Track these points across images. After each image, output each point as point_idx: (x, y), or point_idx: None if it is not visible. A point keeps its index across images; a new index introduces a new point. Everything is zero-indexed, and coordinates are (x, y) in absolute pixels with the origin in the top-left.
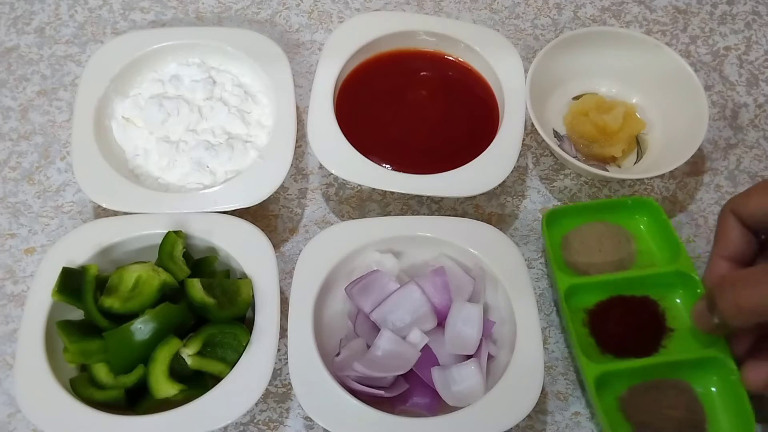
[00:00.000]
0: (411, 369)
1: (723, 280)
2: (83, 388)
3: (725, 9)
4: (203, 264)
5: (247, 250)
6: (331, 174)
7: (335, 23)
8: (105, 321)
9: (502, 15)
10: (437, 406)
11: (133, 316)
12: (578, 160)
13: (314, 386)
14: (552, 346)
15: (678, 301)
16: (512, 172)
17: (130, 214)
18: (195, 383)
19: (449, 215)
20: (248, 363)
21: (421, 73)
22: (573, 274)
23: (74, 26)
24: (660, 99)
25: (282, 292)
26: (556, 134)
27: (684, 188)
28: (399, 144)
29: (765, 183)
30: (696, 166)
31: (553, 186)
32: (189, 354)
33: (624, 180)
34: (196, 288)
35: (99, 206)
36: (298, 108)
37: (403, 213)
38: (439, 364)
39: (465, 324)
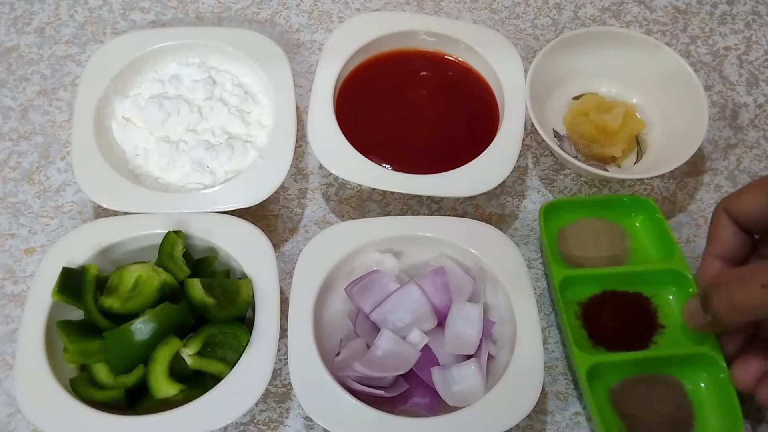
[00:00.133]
0: (411, 369)
1: (718, 279)
2: (83, 388)
3: (725, 9)
4: (203, 264)
5: (247, 250)
6: (331, 174)
7: (335, 23)
8: (105, 321)
9: (502, 15)
10: (437, 406)
11: (133, 316)
12: (578, 160)
13: (314, 386)
14: (552, 346)
15: (671, 298)
16: (512, 172)
17: (130, 214)
18: (195, 383)
19: (449, 215)
20: (248, 363)
21: (421, 73)
22: (567, 267)
23: (74, 26)
24: (660, 99)
25: (282, 292)
26: (556, 134)
27: (684, 188)
28: (399, 144)
29: (757, 182)
30: (696, 166)
31: (553, 186)
32: (189, 354)
33: (624, 180)
34: (196, 288)
35: (99, 206)
36: (298, 108)
37: (403, 213)
38: (439, 364)
39: (465, 324)
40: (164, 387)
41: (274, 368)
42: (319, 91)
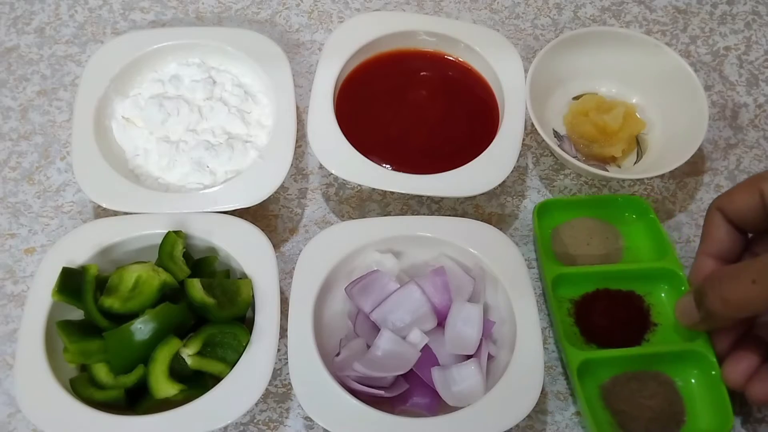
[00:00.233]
0: (411, 369)
1: (711, 276)
2: (83, 388)
3: (725, 9)
4: (203, 264)
5: (247, 250)
6: (331, 174)
7: (335, 23)
8: (105, 321)
9: (502, 15)
10: (437, 406)
11: (133, 316)
12: (578, 160)
13: (314, 386)
14: (552, 346)
15: (663, 296)
16: (512, 172)
17: (130, 214)
18: (195, 383)
19: (449, 215)
20: (248, 363)
21: (421, 73)
22: (561, 265)
23: (74, 26)
24: (660, 99)
25: (282, 292)
26: (556, 134)
27: (684, 188)
28: (399, 144)
29: (748, 181)
30: (696, 166)
31: (553, 186)
32: (189, 354)
33: (624, 180)
34: (196, 288)
35: (99, 206)
36: (298, 108)
37: (403, 213)
38: (439, 364)
39: (465, 324)
40: (164, 387)
41: (274, 368)
42: (319, 91)
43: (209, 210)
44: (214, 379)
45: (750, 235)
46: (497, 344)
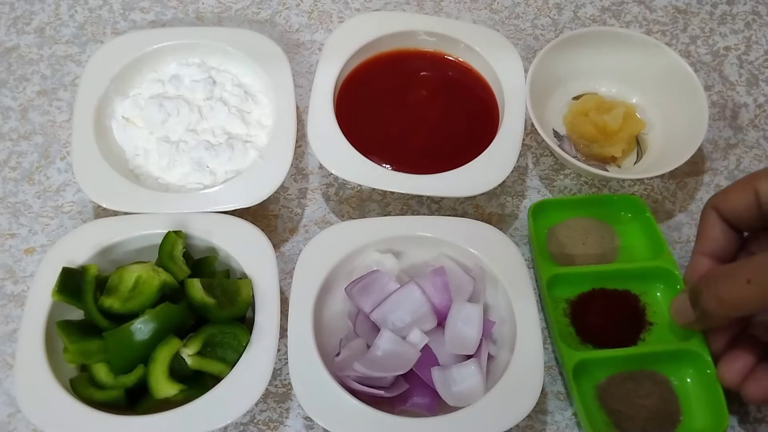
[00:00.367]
0: (411, 369)
1: (706, 275)
2: (83, 388)
3: (725, 9)
4: (203, 264)
5: (247, 250)
6: (331, 174)
7: (335, 23)
8: (105, 321)
9: (502, 15)
10: (437, 406)
11: (133, 316)
12: (578, 160)
13: (314, 386)
14: (552, 346)
15: (658, 295)
16: (512, 172)
17: (130, 214)
18: (195, 383)
19: (449, 215)
20: (248, 363)
21: (421, 73)
22: (556, 265)
23: (74, 26)
24: (660, 99)
25: (282, 292)
26: (556, 134)
27: (684, 188)
28: (399, 144)
29: (744, 179)
30: (696, 166)
31: (553, 186)
32: (189, 354)
33: (624, 180)
34: (196, 288)
35: (99, 206)
36: (298, 108)
37: (403, 213)
38: (439, 364)
39: (465, 324)
40: (164, 387)
41: (274, 368)
42: (319, 91)
43: (209, 210)
44: (214, 379)
45: (746, 234)
46: (497, 344)
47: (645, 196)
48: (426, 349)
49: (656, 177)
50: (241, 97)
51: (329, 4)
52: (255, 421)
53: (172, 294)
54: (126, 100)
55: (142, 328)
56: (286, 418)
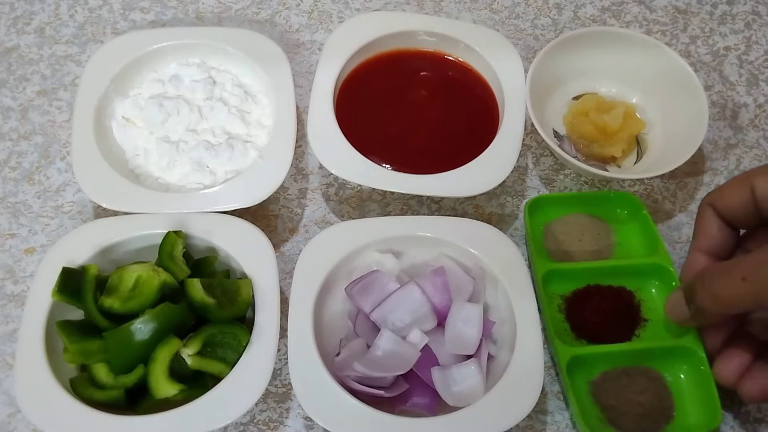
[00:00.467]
0: (411, 369)
1: (702, 273)
2: (83, 388)
3: (725, 9)
4: (203, 264)
5: (247, 250)
6: (331, 174)
7: (335, 23)
8: (105, 321)
9: (502, 15)
10: (437, 406)
11: (133, 316)
12: (578, 160)
13: (314, 386)
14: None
15: (653, 292)
16: (512, 172)
17: (130, 214)
18: (195, 383)
19: (449, 215)
20: (248, 363)
21: (421, 73)
22: (552, 261)
23: (74, 26)
24: (660, 99)
25: (282, 292)
26: (556, 134)
27: (684, 188)
28: (399, 144)
29: (740, 177)
30: (696, 166)
31: (553, 186)
32: (189, 354)
33: (624, 180)
34: (196, 288)
35: (99, 206)
36: (298, 108)
37: (403, 213)
38: (439, 364)
39: (465, 324)
40: (164, 387)
41: (274, 368)
42: (319, 91)
43: (209, 210)
44: (214, 379)
45: (742, 231)
46: (497, 344)
47: (645, 196)
48: (426, 349)
49: (656, 177)
50: (241, 97)
51: (329, 4)
52: (255, 421)
53: (172, 294)
54: (126, 100)
55: (142, 328)
56: (286, 418)
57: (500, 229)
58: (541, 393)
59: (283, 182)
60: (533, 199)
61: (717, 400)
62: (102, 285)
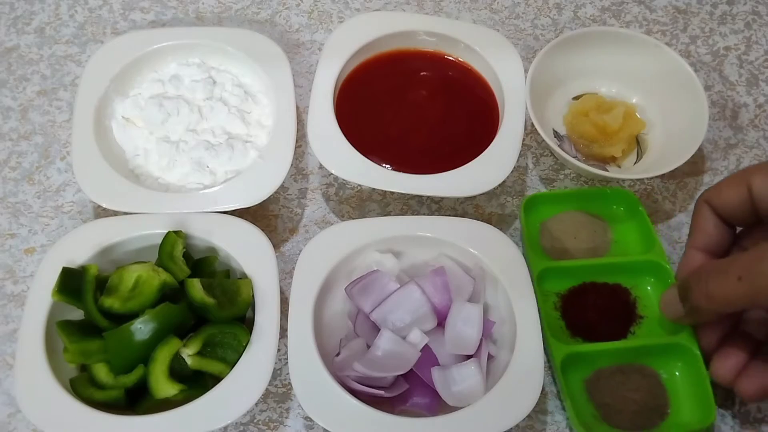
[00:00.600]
0: (411, 369)
1: (697, 271)
2: (83, 388)
3: (725, 9)
4: (203, 264)
5: (247, 250)
6: (331, 174)
7: (335, 23)
8: (105, 321)
9: (502, 15)
10: (437, 406)
11: (133, 316)
12: (578, 160)
13: (314, 386)
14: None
15: (649, 289)
16: (512, 172)
17: (130, 214)
18: (195, 383)
19: (449, 215)
20: (248, 363)
21: (421, 73)
22: (548, 259)
23: (74, 26)
24: (660, 99)
25: (282, 292)
26: (556, 134)
27: (684, 188)
28: (399, 144)
29: (737, 175)
30: (696, 166)
31: (553, 186)
32: (189, 354)
33: (624, 180)
34: (196, 288)
35: (99, 206)
36: (298, 108)
37: (403, 213)
38: (439, 364)
39: (465, 324)
40: (164, 387)
41: (274, 368)
42: (319, 91)
43: (209, 210)
44: (214, 379)
45: (739, 229)
46: (497, 344)
47: (645, 196)
48: (426, 349)
49: (656, 177)
50: (241, 97)
51: (329, 4)
52: (255, 421)
53: (172, 294)
54: (126, 100)
55: (142, 328)
56: (286, 418)
57: (500, 229)
58: (541, 393)
59: (283, 182)
60: (529, 197)
61: (711, 397)
62: (102, 285)
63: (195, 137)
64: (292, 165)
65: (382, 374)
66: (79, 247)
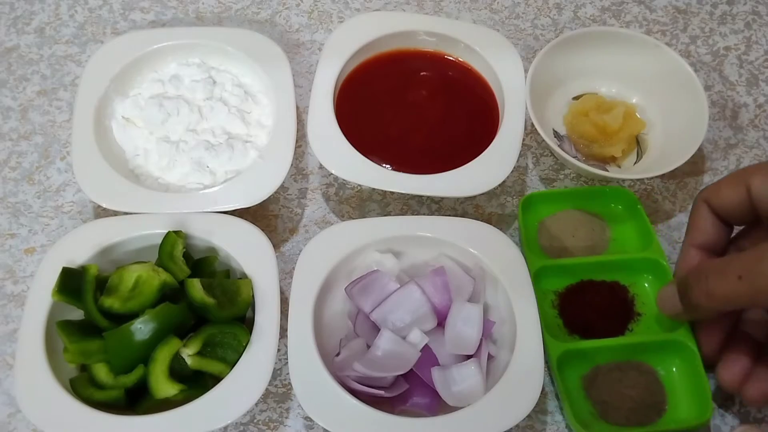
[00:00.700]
0: (411, 369)
1: (697, 269)
2: (83, 388)
3: (725, 9)
4: (203, 264)
5: (247, 250)
6: (331, 174)
7: (335, 23)
8: (105, 321)
9: (502, 15)
10: (437, 406)
11: (133, 316)
12: (578, 160)
13: (314, 386)
14: None
15: (647, 286)
16: (512, 172)
17: (130, 214)
18: (195, 383)
19: (449, 215)
20: (248, 363)
21: (421, 73)
22: (545, 257)
23: (74, 26)
24: (660, 99)
25: (282, 292)
26: (556, 134)
27: (684, 188)
28: (399, 144)
29: (736, 174)
30: (696, 166)
31: (553, 186)
32: (189, 354)
33: (624, 180)
34: (196, 288)
35: (99, 206)
36: (298, 108)
37: (403, 213)
38: (439, 364)
39: (465, 324)
40: (164, 387)
41: (274, 368)
42: (319, 91)
43: (209, 210)
44: (214, 379)
45: (737, 226)
46: (497, 344)
47: (645, 196)
48: (426, 349)
49: (656, 177)
50: (241, 97)
51: (329, 4)
52: (255, 421)
53: (172, 294)
54: (126, 100)
55: (142, 328)
56: (286, 418)
57: (500, 229)
58: (541, 393)
59: (283, 182)
60: (526, 196)
61: (708, 393)
62: (102, 285)
63: (195, 137)
64: (292, 165)
65: (382, 374)
66: (79, 247)
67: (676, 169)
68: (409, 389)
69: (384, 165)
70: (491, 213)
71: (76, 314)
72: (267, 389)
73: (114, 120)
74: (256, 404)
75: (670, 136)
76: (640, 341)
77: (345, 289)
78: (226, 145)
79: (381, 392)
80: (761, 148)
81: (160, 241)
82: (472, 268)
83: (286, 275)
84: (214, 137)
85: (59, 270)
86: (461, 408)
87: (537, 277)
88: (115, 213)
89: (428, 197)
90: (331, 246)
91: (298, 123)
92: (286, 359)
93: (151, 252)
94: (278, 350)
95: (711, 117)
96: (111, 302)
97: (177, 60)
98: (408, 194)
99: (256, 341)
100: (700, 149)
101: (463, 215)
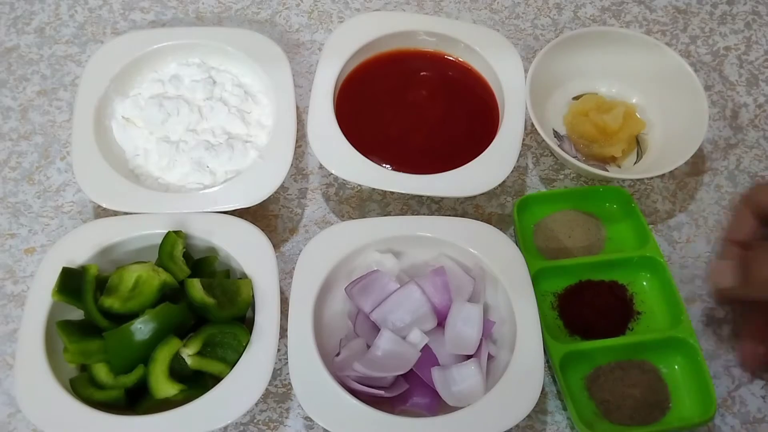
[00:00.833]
0: (411, 369)
1: (758, 253)
2: (83, 388)
3: (725, 9)
4: (203, 264)
5: (247, 250)
6: (331, 174)
7: (335, 23)
8: (105, 321)
9: (502, 15)
10: (437, 406)
11: (133, 316)
12: (578, 160)
13: (314, 386)
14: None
15: (645, 284)
16: (512, 172)
17: (130, 214)
18: (195, 383)
19: (449, 215)
20: (248, 363)
21: (421, 73)
22: (543, 259)
23: (74, 26)
24: (660, 99)
25: (282, 292)
26: (556, 134)
27: (684, 188)
28: (399, 144)
29: None
30: (696, 166)
31: (553, 186)
32: (189, 354)
33: (624, 180)
34: (196, 288)
35: (99, 206)
36: (298, 108)
37: (403, 213)
38: (439, 364)
39: (465, 324)
40: (164, 387)
41: (274, 368)
42: (319, 91)
43: (209, 210)
44: (214, 379)
45: None
46: (497, 344)
47: (645, 196)
48: (426, 349)
49: (656, 177)
50: (241, 97)
51: (329, 4)
52: (255, 421)
53: (172, 294)
54: (126, 100)
55: (142, 328)
56: (286, 418)
57: (500, 229)
58: (541, 393)
59: (283, 182)
60: (521, 198)
61: (712, 389)
62: (102, 285)
63: (195, 137)
64: (292, 165)
65: (382, 374)
66: (79, 247)
67: (676, 169)
68: (409, 389)
69: (384, 165)
70: (491, 213)
71: (76, 314)
72: (267, 389)
73: (114, 120)
74: (256, 404)
75: (670, 136)
76: (641, 340)
77: (345, 289)
78: (226, 145)
79: (381, 392)
80: (761, 148)
81: (160, 241)
82: (472, 268)
83: (286, 275)
84: (214, 137)
85: (59, 270)
86: (461, 408)
87: (536, 279)
88: (115, 213)
89: (428, 197)
90: (331, 246)
91: (298, 123)
92: (286, 359)
93: (151, 252)
94: (278, 350)
95: (711, 117)
96: (111, 302)
97: (177, 60)
98: (408, 194)
99: (256, 341)
100: (700, 149)
101: (463, 215)
